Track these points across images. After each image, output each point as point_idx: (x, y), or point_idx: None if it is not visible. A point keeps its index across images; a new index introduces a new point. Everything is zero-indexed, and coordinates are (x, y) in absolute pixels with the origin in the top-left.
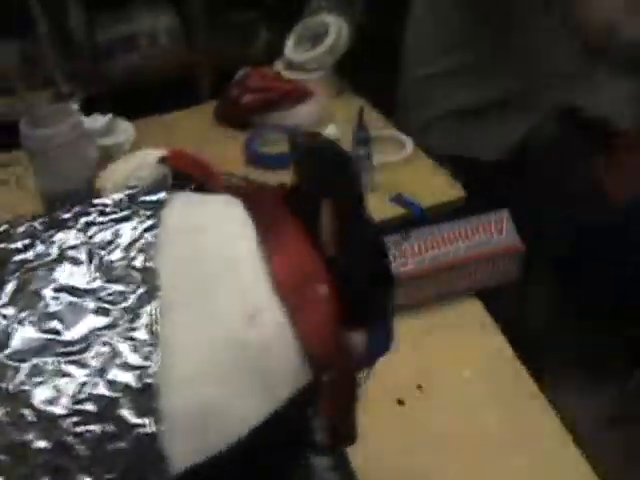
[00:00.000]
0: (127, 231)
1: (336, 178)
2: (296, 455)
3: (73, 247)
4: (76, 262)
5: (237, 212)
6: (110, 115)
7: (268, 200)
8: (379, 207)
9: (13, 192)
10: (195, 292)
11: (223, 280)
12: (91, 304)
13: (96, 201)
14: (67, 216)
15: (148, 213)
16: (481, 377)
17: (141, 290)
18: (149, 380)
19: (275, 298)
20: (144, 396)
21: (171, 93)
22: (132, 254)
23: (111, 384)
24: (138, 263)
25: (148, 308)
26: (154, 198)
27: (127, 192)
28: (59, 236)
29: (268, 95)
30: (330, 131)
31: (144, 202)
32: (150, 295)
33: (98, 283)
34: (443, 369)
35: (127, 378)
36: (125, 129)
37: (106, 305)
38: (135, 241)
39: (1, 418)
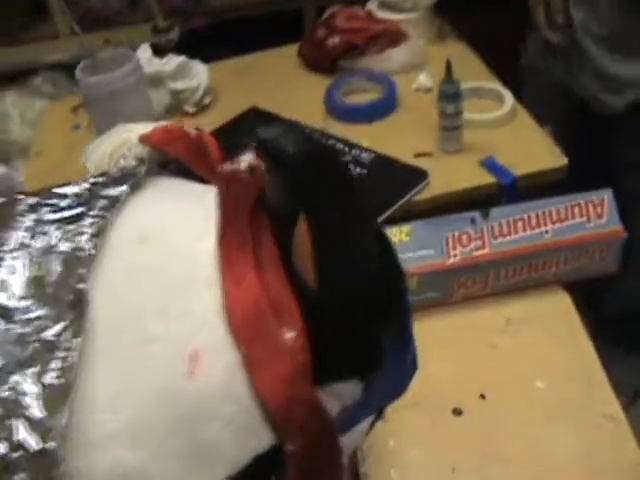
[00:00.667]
0: (71, 237)
1: (314, 186)
2: None
3: (15, 250)
4: (12, 271)
5: (204, 217)
6: (183, 57)
7: (246, 200)
8: (466, 172)
9: (84, 136)
10: (129, 324)
11: (165, 309)
12: (14, 330)
13: (58, 190)
14: (22, 208)
15: (101, 213)
16: (557, 389)
17: (68, 318)
18: (51, 444)
19: (227, 340)
20: (44, 461)
21: (273, 29)
22: (70, 268)
23: (10, 442)
24: (73, 281)
25: (69, 344)
26: (115, 193)
27: (92, 181)
28: (6, 235)
29: (356, 37)
30: (423, 80)
31: (103, 197)
32: (75, 327)
33: (27, 302)
34: (513, 376)
35: (27, 437)
36: (199, 72)
37: (28, 334)
38: (76, 251)
39: None
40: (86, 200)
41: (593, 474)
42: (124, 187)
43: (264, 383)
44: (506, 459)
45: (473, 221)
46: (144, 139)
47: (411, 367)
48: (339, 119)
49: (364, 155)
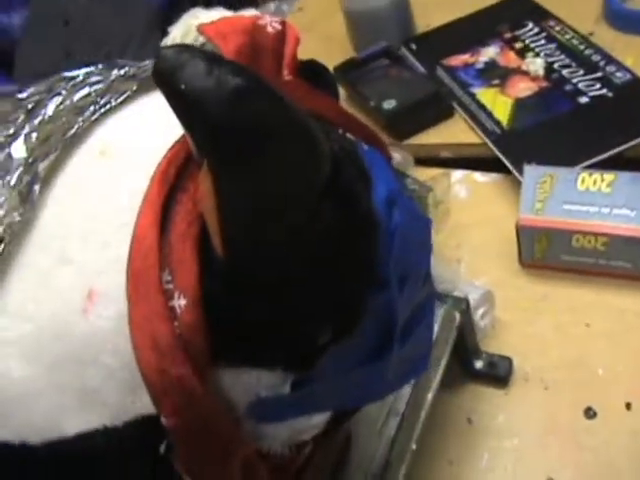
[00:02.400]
0: (66, 128)
1: (213, 132)
2: None
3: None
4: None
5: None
6: None
7: None
8: None
9: (322, 8)
10: (55, 241)
11: (88, 235)
12: None
13: (99, 73)
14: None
15: (99, 109)
16: None
17: (15, 214)
18: None
19: (123, 290)
20: None
21: None
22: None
23: None
24: (30, 175)
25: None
26: (121, 88)
27: (127, 70)
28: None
29: None
30: None
31: (113, 91)
32: (13, 230)
33: None
34: None
35: None
36: None
37: None
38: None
39: None
40: (105, 90)
41: None
42: (132, 85)
43: (141, 348)
44: None
45: None
46: (201, 29)
47: (405, 368)
48: (613, 25)
49: (619, 74)
